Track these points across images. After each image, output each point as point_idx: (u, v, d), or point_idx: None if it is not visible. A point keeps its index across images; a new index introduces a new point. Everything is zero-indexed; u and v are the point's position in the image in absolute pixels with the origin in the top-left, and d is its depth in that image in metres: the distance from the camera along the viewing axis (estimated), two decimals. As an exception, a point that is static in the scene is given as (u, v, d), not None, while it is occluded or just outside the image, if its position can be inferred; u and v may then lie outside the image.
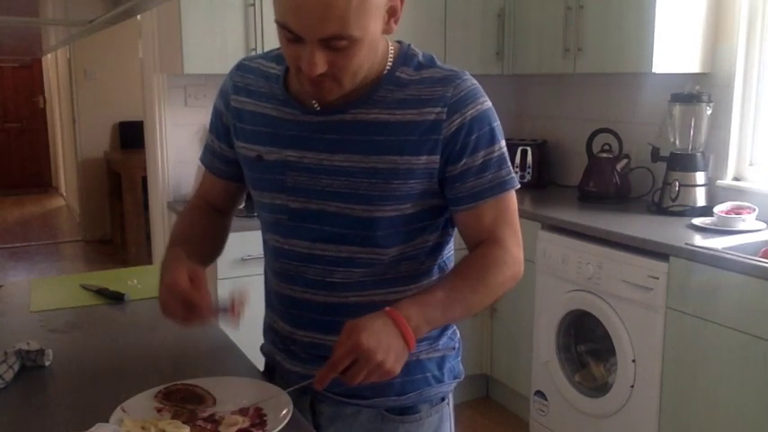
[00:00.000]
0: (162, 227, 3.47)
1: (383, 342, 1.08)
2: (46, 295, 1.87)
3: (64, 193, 9.62)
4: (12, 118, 10.46)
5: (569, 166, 3.64)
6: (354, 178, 1.19)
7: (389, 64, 1.20)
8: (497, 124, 1.22)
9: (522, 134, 3.88)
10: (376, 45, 1.14)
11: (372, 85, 1.19)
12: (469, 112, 1.18)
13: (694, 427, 2.37)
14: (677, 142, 2.91)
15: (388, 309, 1.12)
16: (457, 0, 3.40)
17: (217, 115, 1.37)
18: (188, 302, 1.15)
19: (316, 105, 1.21)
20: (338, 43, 1.06)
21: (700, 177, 2.87)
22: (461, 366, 1.40)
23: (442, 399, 1.37)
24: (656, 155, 2.96)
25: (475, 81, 1.22)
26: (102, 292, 1.86)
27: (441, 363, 1.34)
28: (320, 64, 1.08)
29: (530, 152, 3.60)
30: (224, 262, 2.79)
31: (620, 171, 3.17)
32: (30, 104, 10.47)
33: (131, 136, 6.50)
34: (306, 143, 1.22)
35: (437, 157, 1.18)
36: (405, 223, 1.22)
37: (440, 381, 1.34)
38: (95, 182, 7.08)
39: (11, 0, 1.53)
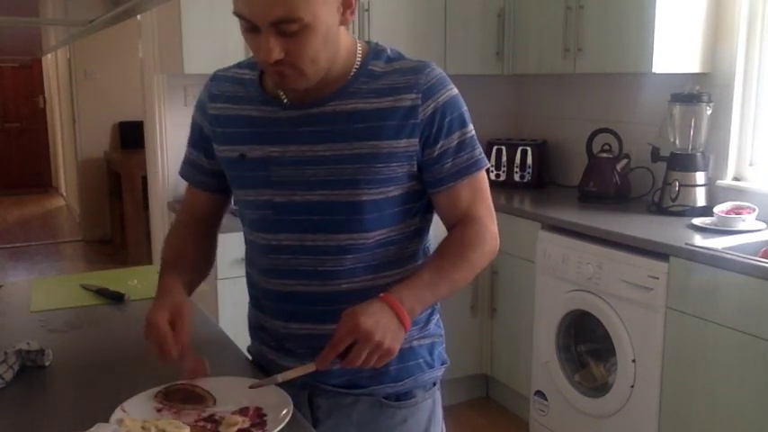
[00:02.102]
0: (162, 227, 3.47)
1: (381, 323, 1.15)
2: (46, 295, 1.87)
3: (64, 193, 9.62)
4: (12, 118, 10.46)
5: (569, 166, 3.64)
6: (339, 165, 1.24)
7: (358, 59, 1.27)
8: (466, 109, 1.31)
9: (522, 134, 3.88)
10: (333, 35, 1.18)
11: (347, 79, 1.25)
12: (442, 97, 1.26)
13: (694, 427, 2.37)
14: (677, 142, 2.91)
15: (382, 294, 1.19)
16: (457, 0, 3.39)
17: (196, 128, 1.40)
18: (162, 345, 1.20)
19: (285, 100, 1.26)
20: (289, 27, 1.11)
21: (700, 177, 2.87)
22: (446, 354, 1.47)
23: (434, 384, 1.43)
24: (656, 155, 2.96)
25: (441, 70, 1.30)
26: (102, 292, 1.86)
27: (431, 349, 1.41)
28: (275, 50, 1.13)
29: (530, 152, 3.60)
30: (224, 262, 2.78)
31: (620, 171, 3.17)
32: (30, 104, 10.47)
33: (131, 136, 6.50)
34: (288, 137, 1.26)
35: (416, 140, 1.25)
36: (388, 206, 1.28)
37: (431, 366, 1.40)
38: (95, 182, 7.08)
39: (11, 0, 1.53)
